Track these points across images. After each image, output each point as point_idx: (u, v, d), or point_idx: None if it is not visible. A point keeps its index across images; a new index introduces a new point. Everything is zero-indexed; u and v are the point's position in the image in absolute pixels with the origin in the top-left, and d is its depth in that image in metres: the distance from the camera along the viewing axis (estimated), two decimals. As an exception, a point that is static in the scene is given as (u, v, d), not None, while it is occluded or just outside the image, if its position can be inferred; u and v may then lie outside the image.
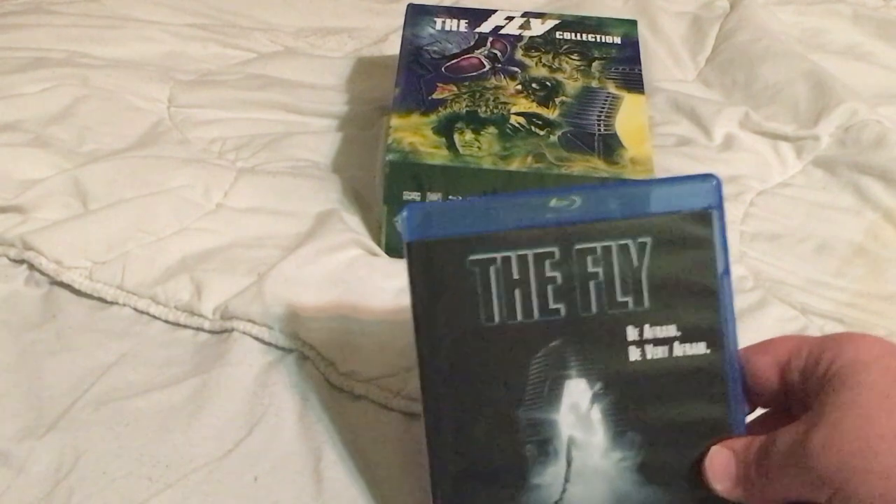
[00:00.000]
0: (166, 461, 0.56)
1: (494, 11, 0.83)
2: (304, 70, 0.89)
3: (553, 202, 0.49)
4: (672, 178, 0.50)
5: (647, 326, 0.48)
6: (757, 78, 0.89)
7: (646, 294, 0.48)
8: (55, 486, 0.54)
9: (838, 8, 1.01)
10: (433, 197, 0.69)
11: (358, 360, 0.62)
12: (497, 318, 0.48)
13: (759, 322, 0.66)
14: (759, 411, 0.51)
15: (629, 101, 0.75)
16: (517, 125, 0.71)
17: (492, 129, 0.71)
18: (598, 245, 0.48)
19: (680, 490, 0.48)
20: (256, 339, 0.63)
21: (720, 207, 0.48)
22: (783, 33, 0.96)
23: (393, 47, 0.86)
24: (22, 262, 0.68)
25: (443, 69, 0.76)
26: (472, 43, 0.80)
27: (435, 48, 0.79)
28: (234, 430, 0.58)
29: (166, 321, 0.65)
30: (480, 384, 0.48)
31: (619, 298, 0.48)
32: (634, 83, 0.76)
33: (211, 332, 0.64)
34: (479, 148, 0.69)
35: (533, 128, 0.71)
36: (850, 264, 0.73)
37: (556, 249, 0.48)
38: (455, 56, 0.78)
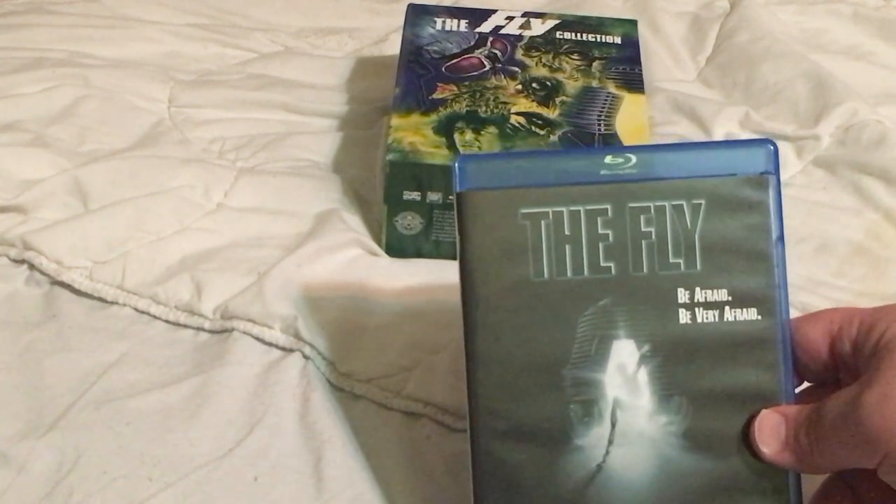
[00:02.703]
0: (166, 461, 0.56)
1: (495, 11, 0.83)
2: (304, 70, 0.89)
3: (608, 159, 0.48)
4: (729, 140, 0.50)
5: (697, 289, 0.47)
6: (757, 78, 0.89)
7: (698, 256, 0.48)
8: (55, 486, 0.54)
9: (839, 8, 1.01)
10: (433, 197, 0.69)
11: (358, 359, 0.62)
12: (546, 274, 0.48)
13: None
14: (805, 386, 0.51)
15: (629, 101, 0.75)
16: (517, 125, 0.71)
17: (492, 129, 0.71)
18: (651, 204, 0.48)
19: (725, 457, 0.47)
20: (257, 338, 0.63)
21: (776, 173, 0.48)
22: (783, 33, 0.96)
23: (393, 47, 0.86)
24: (22, 261, 0.68)
25: (443, 69, 0.76)
26: (472, 43, 0.80)
27: (435, 48, 0.79)
28: (234, 430, 0.58)
29: (167, 321, 0.65)
30: (526, 340, 0.47)
31: (671, 259, 0.48)
32: (634, 83, 0.76)
33: (211, 331, 0.64)
34: (479, 148, 0.69)
35: (533, 127, 0.71)
36: (850, 264, 0.73)
37: (609, 207, 0.48)
38: (455, 56, 0.78)
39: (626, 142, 0.70)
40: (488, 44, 0.80)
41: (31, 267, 0.67)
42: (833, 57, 0.94)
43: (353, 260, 0.69)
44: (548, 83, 0.76)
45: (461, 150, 0.69)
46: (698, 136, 0.83)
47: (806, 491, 0.49)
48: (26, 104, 0.80)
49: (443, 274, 0.69)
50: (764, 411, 0.47)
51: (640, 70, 0.78)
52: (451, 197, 0.69)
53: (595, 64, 0.78)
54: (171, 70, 0.87)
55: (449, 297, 0.67)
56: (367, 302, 0.65)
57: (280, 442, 0.57)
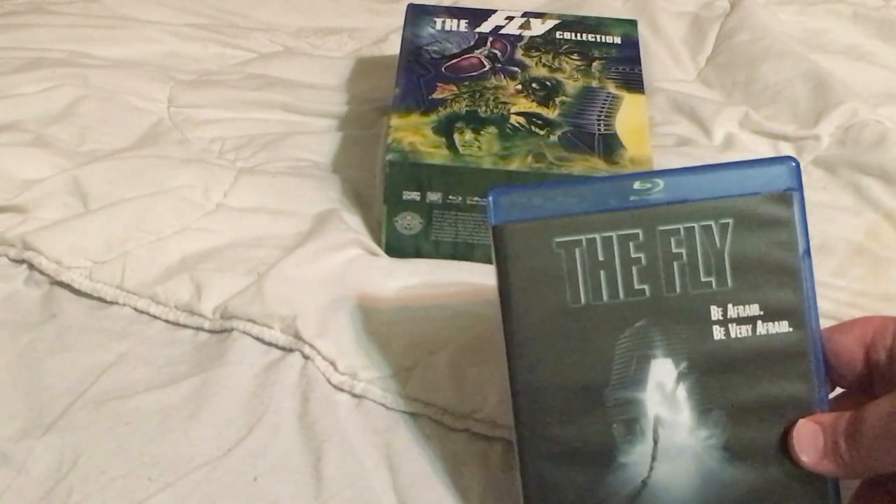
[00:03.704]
0: (166, 461, 0.56)
1: (494, 11, 0.83)
2: (304, 70, 0.89)
3: (637, 185, 0.49)
4: (752, 160, 0.51)
5: (730, 306, 0.49)
6: (757, 78, 0.89)
7: (728, 274, 0.49)
8: (55, 486, 0.54)
9: (839, 8, 1.01)
10: (433, 197, 0.69)
11: (358, 359, 0.62)
12: (583, 299, 0.49)
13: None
14: (837, 392, 0.51)
15: (629, 101, 0.75)
16: (517, 125, 0.71)
17: (492, 129, 0.71)
18: (681, 226, 0.49)
19: (765, 467, 0.49)
20: (256, 338, 0.63)
21: (799, 189, 0.49)
22: (783, 33, 0.96)
23: (393, 47, 0.86)
24: (22, 261, 0.68)
25: (443, 69, 0.76)
26: (472, 43, 0.80)
27: (435, 48, 0.79)
28: (233, 430, 0.58)
29: (166, 321, 0.65)
30: (567, 365, 0.49)
31: (703, 279, 0.49)
32: (634, 83, 0.76)
33: (211, 331, 0.64)
34: (479, 148, 0.69)
35: (533, 128, 0.71)
36: (850, 264, 0.73)
37: (639, 231, 0.49)
38: (455, 56, 0.78)
39: (626, 142, 0.70)
40: (488, 44, 0.80)
41: (31, 267, 0.67)
42: (833, 57, 0.94)
43: (352, 260, 0.69)
44: (547, 83, 0.76)
45: (461, 150, 0.69)
46: (698, 136, 0.84)
47: (844, 495, 0.49)
48: (26, 104, 0.80)
49: (442, 274, 0.69)
50: (801, 421, 0.48)
51: (640, 70, 0.78)
52: (450, 196, 0.69)
53: (595, 64, 0.78)
54: (170, 70, 0.87)
55: (449, 297, 0.67)
56: (366, 302, 0.65)
57: (279, 442, 0.57)
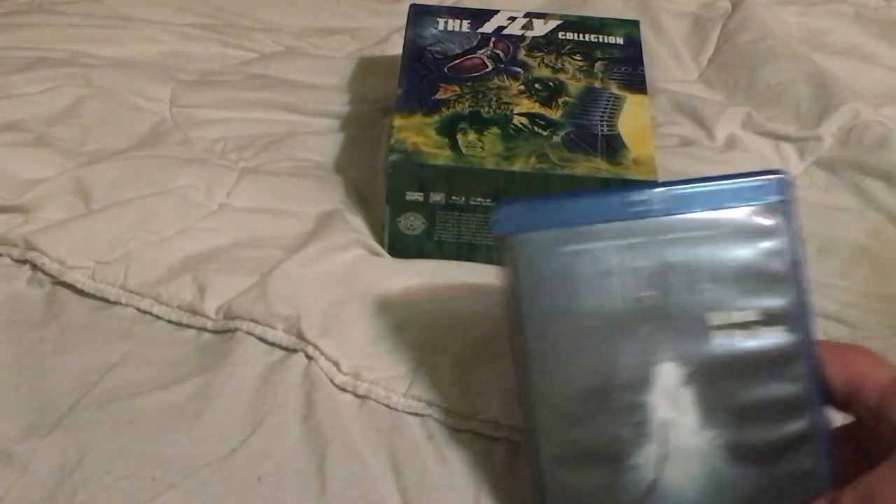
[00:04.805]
0: (170, 461, 0.56)
1: (497, 12, 0.83)
2: (306, 70, 0.89)
3: (637, 197, 0.51)
4: (746, 172, 0.53)
5: (729, 312, 0.51)
6: (759, 78, 0.89)
7: (726, 282, 0.51)
8: (59, 486, 0.54)
9: (840, 8, 1.01)
10: (436, 197, 0.69)
11: (361, 360, 0.62)
12: (590, 307, 0.51)
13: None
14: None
15: (632, 101, 0.75)
16: (520, 126, 0.71)
17: (495, 130, 0.71)
18: (680, 236, 0.51)
19: (767, 465, 0.50)
20: (259, 339, 0.63)
21: (791, 200, 0.51)
22: (785, 34, 0.96)
23: (395, 47, 0.86)
24: (25, 262, 0.68)
25: (445, 69, 0.76)
26: (474, 43, 0.80)
27: (437, 48, 0.79)
28: (237, 430, 0.58)
29: (169, 321, 0.65)
30: (577, 370, 0.50)
31: (703, 286, 0.51)
32: (637, 84, 0.76)
33: (214, 331, 0.64)
34: (482, 148, 0.69)
35: (536, 128, 0.71)
36: (852, 265, 0.73)
37: (641, 241, 0.51)
38: (457, 56, 0.78)
39: (629, 142, 0.70)
40: (490, 44, 0.80)
41: (34, 267, 0.67)
42: (835, 57, 0.94)
43: (355, 260, 0.69)
44: (550, 84, 0.76)
45: (464, 150, 0.69)
46: (701, 137, 0.84)
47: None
48: (28, 104, 0.80)
49: (445, 274, 0.69)
50: None
51: (643, 71, 0.78)
52: (453, 197, 0.69)
53: (597, 64, 0.78)
54: (172, 70, 0.87)
55: (451, 298, 0.67)
56: (369, 302, 0.65)
57: (283, 442, 0.57)
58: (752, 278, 0.51)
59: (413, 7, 0.83)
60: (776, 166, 0.82)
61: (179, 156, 0.77)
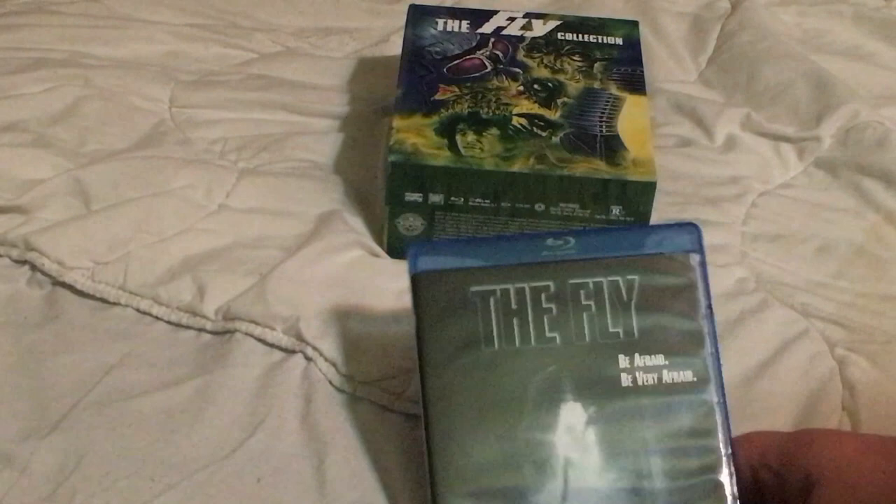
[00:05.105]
0: (169, 462, 0.56)
1: (496, 12, 0.83)
2: (305, 70, 0.89)
3: (549, 241, 0.52)
4: (659, 224, 0.55)
5: (636, 355, 0.51)
6: (758, 79, 0.89)
7: (635, 326, 0.52)
8: (58, 487, 0.54)
9: (840, 8, 1.01)
10: (435, 198, 0.69)
11: (360, 361, 0.62)
12: (497, 345, 0.51)
13: (760, 326, 0.66)
14: None
15: (631, 102, 0.75)
16: (519, 126, 0.71)
17: (494, 131, 0.71)
18: (590, 280, 0.52)
19: None
20: (259, 340, 0.63)
21: (701, 252, 0.53)
22: (785, 34, 0.96)
23: (394, 48, 0.86)
24: (24, 262, 0.68)
25: (444, 70, 0.76)
26: (473, 44, 0.80)
27: (437, 49, 0.79)
28: (236, 432, 0.58)
29: (168, 322, 0.65)
30: (481, 408, 0.50)
31: (611, 329, 0.51)
32: (636, 84, 0.76)
33: (213, 332, 0.64)
34: (480, 149, 0.69)
35: (535, 129, 0.71)
36: (851, 265, 0.73)
37: (551, 283, 0.52)
38: (457, 57, 0.78)
39: (628, 143, 0.70)
40: (490, 45, 0.80)
41: (33, 268, 0.67)
42: (834, 58, 0.94)
43: (354, 261, 0.69)
44: (549, 84, 0.76)
45: (463, 151, 0.69)
46: (700, 137, 0.84)
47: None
48: (27, 104, 0.80)
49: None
50: None
51: (642, 71, 0.78)
52: (452, 198, 0.69)
53: (597, 65, 0.78)
54: (172, 70, 0.87)
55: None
56: (368, 303, 0.65)
57: (282, 444, 0.57)
58: (662, 324, 0.51)
59: (412, 7, 0.83)
60: (775, 166, 0.82)
61: (179, 156, 0.77)
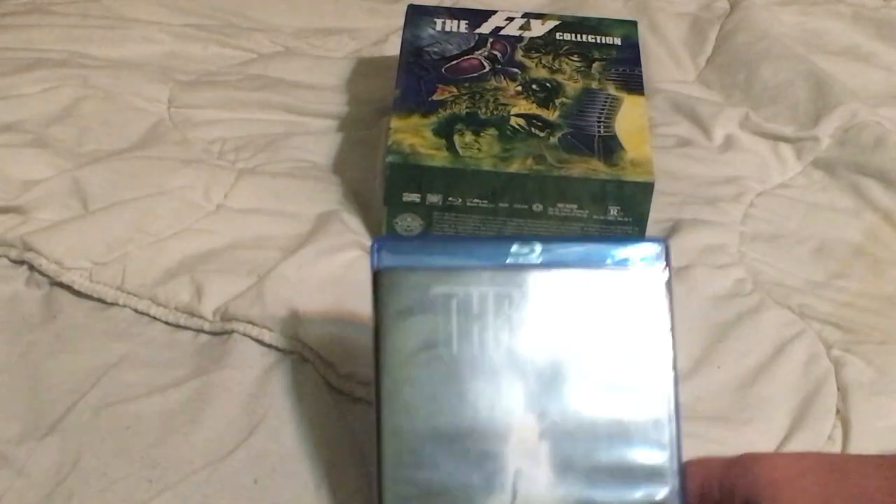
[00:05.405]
0: (166, 463, 0.56)
1: (494, 12, 0.83)
2: (304, 71, 0.89)
3: (514, 247, 0.51)
4: (626, 237, 0.55)
5: (593, 370, 0.50)
6: (757, 79, 0.89)
7: (594, 339, 0.50)
8: (55, 488, 0.54)
9: (838, 8, 1.01)
10: (433, 199, 0.69)
11: (358, 362, 0.62)
12: (455, 349, 0.50)
13: (757, 327, 0.66)
14: None
15: (629, 102, 0.75)
16: (517, 127, 0.71)
17: (492, 131, 0.71)
18: (553, 289, 0.51)
19: None
20: (257, 340, 0.63)
21: (667, 267, 0.52)
22: (783, 34, 0.96)
23: (393, 48, 0.86)
24: (22, 262, 0.68)
25: (443, 70, 0.76)
26: (472, 44, 0.80)
27: (435, 49, 0.79)
28: (234, 432, 0.58)
29: (166, 322, 0.65)
30: (434, 412, 0.49)
31: (569, 341, 0.50)
32: (634, 85, 0.76)
33: (211, 333, 0.64)
34: (478, 149, 0.69)
35: (533, 129, 0.71)
36: (849, 265, 0.73)
37: (513, 290, 0.51)
38: (455, 57, 0.78)
39: (626, 143, 0.70)
40: (488, 45, 0.80)
41: (31, 268, 0.67)
42: (833, 58, 0.94)
43: (353, 261, 0.69)
44: (547, 85, 0.76)
45: (461, 151, 0.69)
46: (698, 137, 0.84)
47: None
48: (26, 105, 0.80)
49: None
50: None
51: (640, 71, 0.78)
52: (450, 198, 0.69)
53: (595, 65, 0.78)
54: (170, 70, 0.87)
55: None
56: (367, 304, 0.65)
57: (280, 444, 0.57)
58: (623, 338, 0.51)
59: (410, 7, 0.83)
60: (773, 166, 0.82)
61: (177, 156, 0.77)
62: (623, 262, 0.51)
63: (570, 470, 0.49)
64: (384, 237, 0.51)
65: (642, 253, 0.51)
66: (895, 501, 0.43)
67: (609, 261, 0.51)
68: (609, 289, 0.51)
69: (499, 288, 0.51)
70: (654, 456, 0.49)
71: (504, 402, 0.49)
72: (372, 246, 0.51)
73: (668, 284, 0.51)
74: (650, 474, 0.49)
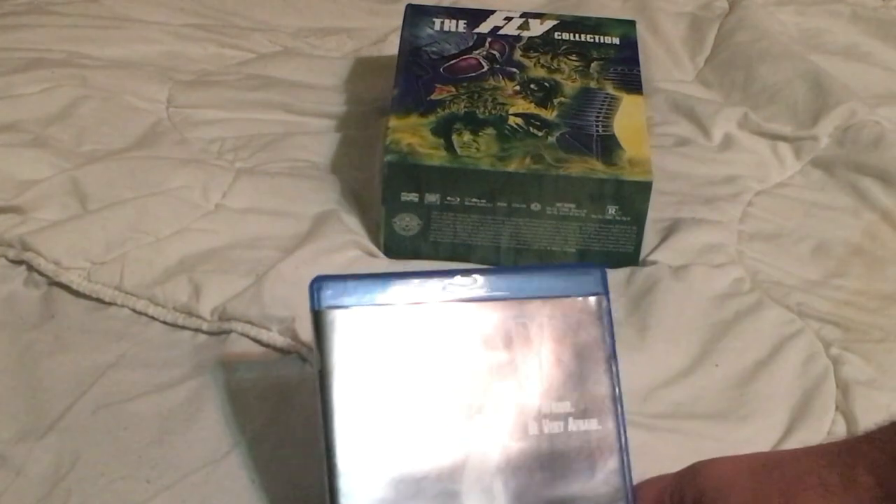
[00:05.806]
0: (164, 463, 0.56)
1: (493, 12, 0.83)
2: (302, 70, 0.89)
3: (456, 279, 0.51)
4: (565, 265, 0.57)
5: (543, 402, 0.50)
6: (756, 78, 0.89)
7: (541, 371, 0.50)
8: (53, 488, 0.54)
9: (837, 8, 1.01)
10: (431, 198, 0.69)
11: (356, 361, 0.62)
12: (401, 388, 0.50)
13: (756, 326, 0.66)
14: None
15: (628, 102, 0.75)
16: (515, 126, 0.71)
17: (490, 130, 0.71)
18: (496, 323, 0.51)
19: None
20: (255, 340, 0.63)
21: (606, 294, 0.52)
22: (782, 34, 0.96)
23: (392, 48, 0.86)
24: (21, 262, 0.68)
25: (441, 70, 0.76)
26: (470, 43, 0.80)
27: (434, 49, 0.79)
28: (232, 432, 0.58)
29: (165, 322, 0.65)
30: (384, 452, 0.49)
31: (517, 374, 0.50)
32: (633, 84, 0.76)
33: (209, 333, 0.64)
34: (477, 149, 0.69)
35: (531, 129, 0.71)
36: (847, 264, 0.73)
37: (456, 325, 0.51)
38: (454, 57, 0.78)
39: (625, 143, 0.70)
40: (486, 44, 0.80)
41: (30, 268, 0.67)
42: (831, 57, 0.94)
43: (351, 261, 0.69)
44: (546, 84, 0.76)
45: (459, 151, 0.69)
46: (697, 136, 0.84)
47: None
48: (25, 104, 0.80)
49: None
50: None
51: (639, 71, 0.78)
52: (449, 198, 0.69)
53: (593, 65, 0.78)
54: (169, 70, 0.87)
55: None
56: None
57: (278, 444, 0.57)
58: (569, 370, 0.51)
59: (409, 7, 0.83)
60: (772, 166, 0.82)
61: (176, 156, 0.77)
62: (563, 291, 0.52)
63: None
64: (324, 276, 0.51)
65: (580, 280, 0.52)
66: (819, 481, 0.45)
67: (549, 290, 0.51)
68: (550, 318, 0.51)
69: (441, 323, 0.50)
70: (607, 482, 0.50)
71: (456, 440, 0.49)
72: (311, 285, 0.50)
73: (608, 311, 0.52)
74: (604, 499, 0.49)
